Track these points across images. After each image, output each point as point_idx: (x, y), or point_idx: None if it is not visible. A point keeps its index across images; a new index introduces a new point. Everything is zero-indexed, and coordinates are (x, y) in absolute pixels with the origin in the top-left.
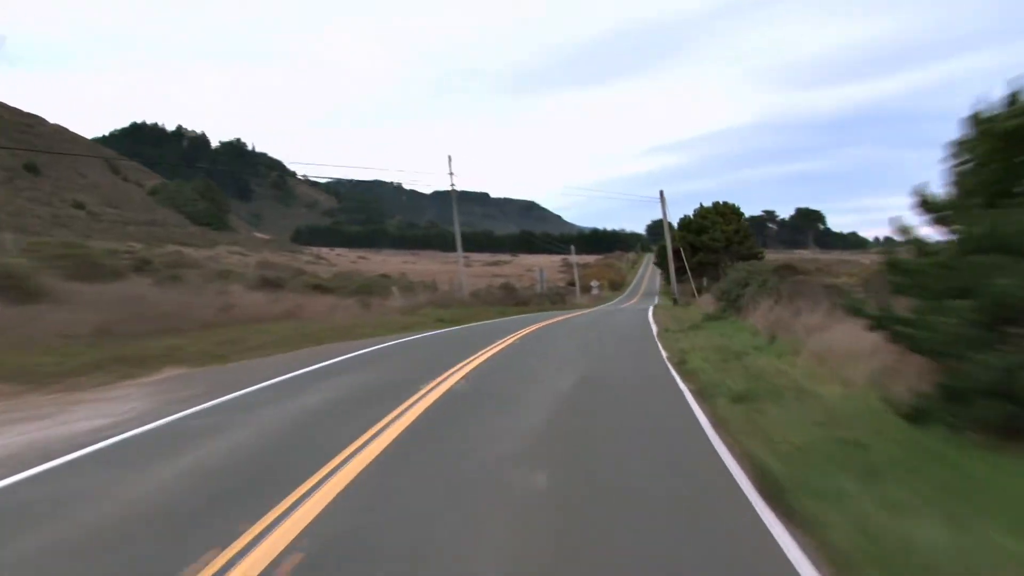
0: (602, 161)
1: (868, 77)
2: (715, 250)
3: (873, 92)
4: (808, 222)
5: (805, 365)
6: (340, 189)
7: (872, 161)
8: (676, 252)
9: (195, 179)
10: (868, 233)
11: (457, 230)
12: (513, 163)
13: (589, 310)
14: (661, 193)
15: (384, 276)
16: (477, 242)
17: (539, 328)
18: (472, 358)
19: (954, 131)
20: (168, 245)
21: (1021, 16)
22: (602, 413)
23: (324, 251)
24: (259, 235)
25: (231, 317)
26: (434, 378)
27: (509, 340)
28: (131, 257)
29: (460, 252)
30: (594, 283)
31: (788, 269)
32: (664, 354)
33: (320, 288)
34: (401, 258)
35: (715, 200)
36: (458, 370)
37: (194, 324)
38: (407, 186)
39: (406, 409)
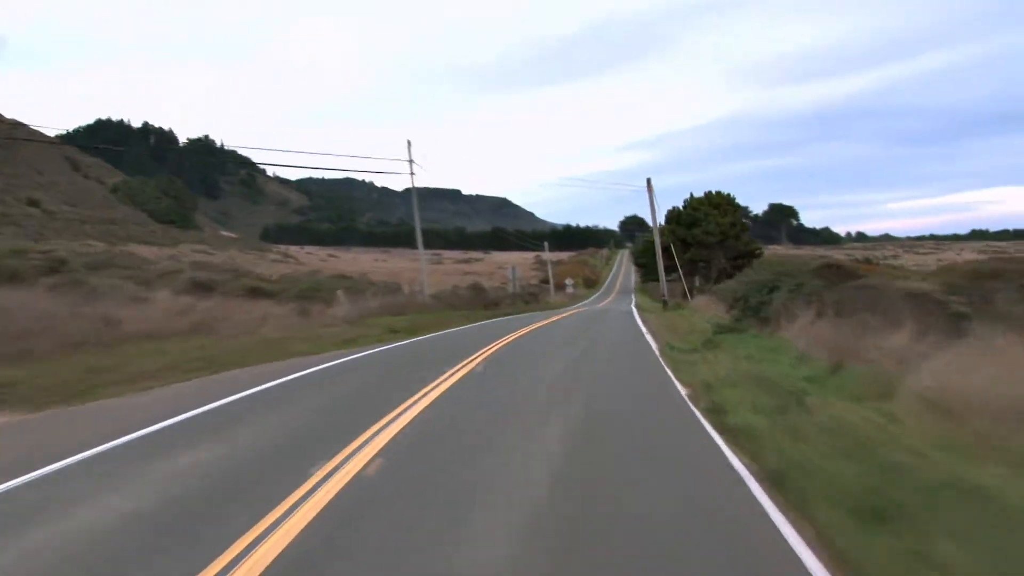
0: (576, 157)
1: (839, 74)
2: (708, 246)
3: (843, 89)
4: (781, 217)
5: (918, 419)
6: (311, 187)
7: (843, 157)
8: (665, 249)
9: (159, 176)
10: (840, 229)
11: (418, 225)
12: (485, 160)
13: (566, 313)
14: (648, 181)
15: (343, 276)
16: (449, 239)
17: (509, 342)
18: (407, 405)
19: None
20: (130, 244)
21: (991, 11)
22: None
23: (294, 249)
24: (226, 233)
25: (120, 334)
26: (326, 458)
27: (468, 365)
28: (44, 257)
29: (421, 249)
30: (568, 281)
31: (834, 269)
32: (682, 391)
33: (259, 292)
34: (372, 256)
35: (687, 193)
36: (373, 436)
37: (60, 344)
38: (379, 183)
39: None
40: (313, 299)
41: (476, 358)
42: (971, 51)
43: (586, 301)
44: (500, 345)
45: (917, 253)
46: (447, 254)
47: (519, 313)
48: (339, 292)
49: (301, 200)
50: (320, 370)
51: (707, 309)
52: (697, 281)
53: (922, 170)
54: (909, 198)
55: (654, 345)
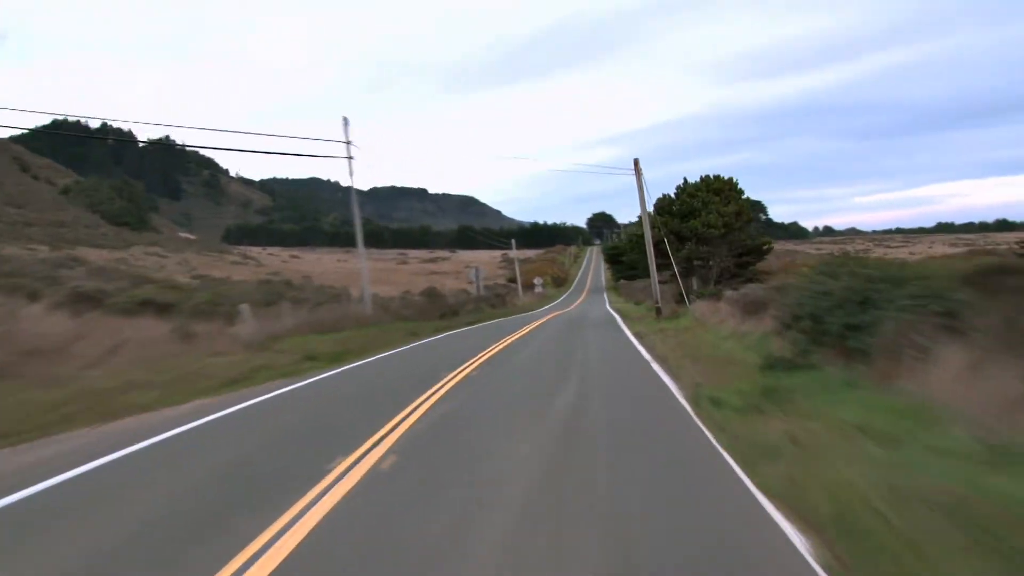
0: (544, 154)
1: (799, 71)
2: (708, 240)
3: (808, 85)
4: (750, 212)
5: None
6: (275, 187)
7: (806, 153)
8: (657, 244)
9: (114, 177)
10: (807, 223)
11: (357, 220)
12: (452, 158)
13: (535, 323)
14: (636, 163)
15: (288, 283)
16: (415, 239)
17: (458, 382)
18: None
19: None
20: (78, 247)
21: (949, 9)
22: None
23: (255, 250)
24: (185, 235)
25: None
26: None
27: (381, 444)
28: None
29: (362, 248)
30: (537, 280)
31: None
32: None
33: (152, 306)
34: (335, 256)
35: (656, 190)
36: None
37: None
38: (344, 183)
39: None
40: (213, 315)
41: (395, 428)
42: (929, 49)
43: (557, 301)
44: (442, 390)
45: (888, 247)
46: (413, 253)
47: (482, 321)
48: (243, 307)
49: (264, 200)
50: (128, 455)
51: (717, 320)
52: (695, 283)
53: (885, 165)
54: (873, 192)
55: (675, 389)
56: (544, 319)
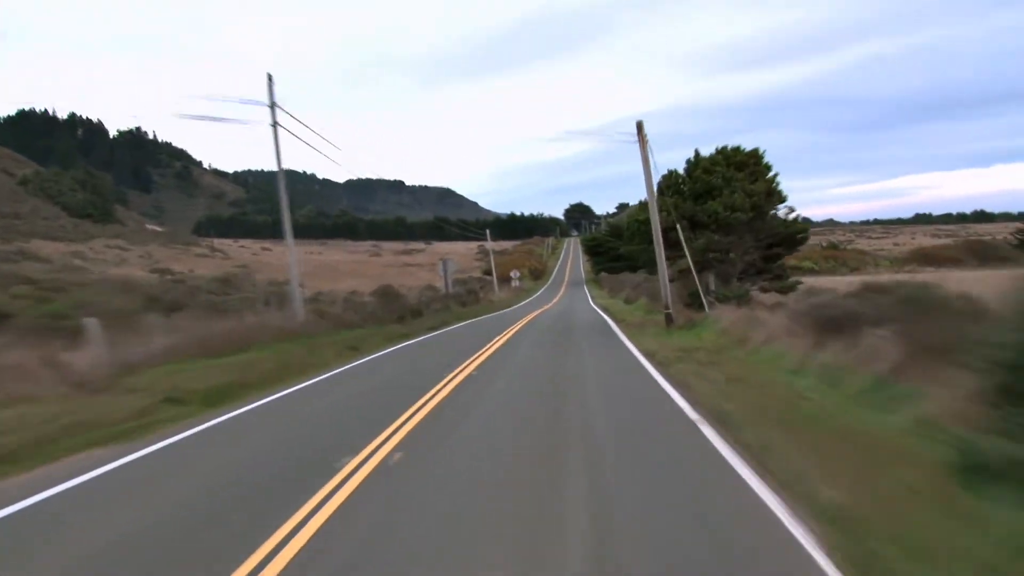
0: (518, 147)
1: (778, 64)
2: (730, 227)
3: (784, 78)
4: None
5: None
6: (249, 180)
7: (783, 144)
8: (667, 232)
9: (74, 168)
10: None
11: (283, 198)
12: (430, 150)
13: (510, 331)
14: (639, 126)
15: (223, 281)
16: (389, 230)
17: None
18: None
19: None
20: (33, 240)
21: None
22: None
23: (225, 243)
24: (153, 227)
25: None
26: None
27: None
28: None
29: (290, 239)
30: (514, 274)
31: None
32: None
33: None
34: (307, 248)
35: (628, 185)
36: None
37: None
38: (320, 175)
39: None
40: (55, 331)
41: None
42: (904, 42)
43: (535, 296)
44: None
45: (869, 237)
46: (387, 245)
47: (449, 324)
48: (88, 321)
49: (238, 192)
50: None
51: (762, 337)
52: (712, 282)
53: (859, 157)
54: (847, 184)
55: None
56: (520, 323)
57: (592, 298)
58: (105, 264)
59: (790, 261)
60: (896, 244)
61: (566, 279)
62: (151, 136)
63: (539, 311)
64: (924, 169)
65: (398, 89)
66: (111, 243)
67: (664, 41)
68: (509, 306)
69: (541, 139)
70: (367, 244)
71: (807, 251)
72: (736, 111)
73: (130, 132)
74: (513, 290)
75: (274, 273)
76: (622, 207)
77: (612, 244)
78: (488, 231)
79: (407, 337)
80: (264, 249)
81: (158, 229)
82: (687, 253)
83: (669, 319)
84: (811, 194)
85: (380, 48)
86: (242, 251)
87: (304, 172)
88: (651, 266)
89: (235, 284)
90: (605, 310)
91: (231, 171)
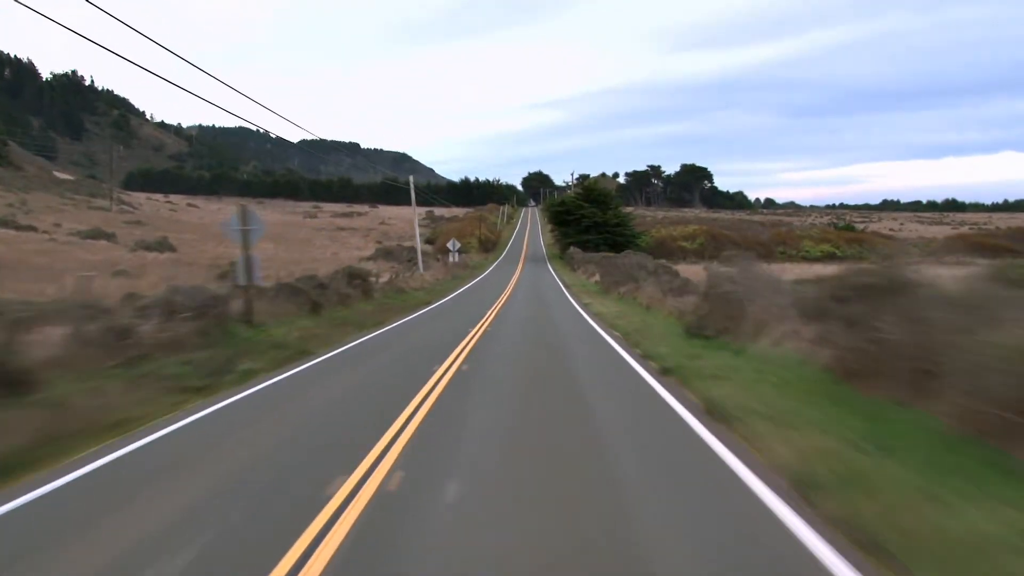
0: (482, 115)
1: (748, 43)
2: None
3: (751, 58)
4: (695, 179)
5: None
6: (205, 137)
7: (739, 127)
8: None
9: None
10: (751, 195)
11: None
12: (389, 115)
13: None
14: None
15: None
16: (335, 191)
17: None
18: None
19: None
20: None
21: None
22: None
23: (141, 197)
24: (59, 174)
25: None
26: None
27: None
28: None
29: None
30: (452, 245)
31: None
32: None
33: None
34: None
35: (593, 158)
36: None
37: None
38: (274, 134)
39: None
40: None
41: None
42: (867, 28)
43: (483, 275)
44: None
45: (855, 221)
46: (328, 207)
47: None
48: None
49: (181, 146)
50: None
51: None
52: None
53: (817, 141)
54: (802, 169)
55: None
56: (440, 373)
57: (563, 284)
58: None
59: (805, 244)
60: (893, 231)
61: (524, 254)
62: (89, 82)
63: (489, 313)
64: (876, 158)
65: (359, 50)
66: None
67: (636, 15)
68: (438, 298)
69: (500, 109)
70: (307, 205)
71: (820, 232)
72: (697, 91)
73: (65, 76)
74: (449, 268)
75: (180, 233)
76: (583, 178)
77: (586, 212)
78: (413, 186)
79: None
80: (190, 206)
81: (68, 177)
82: None
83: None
84: (767, 177)
85: (345, 4)
86: (156, 206)
87: (258, 130)
88: None
89: None
90: (592, 311)
91: (184, 125)
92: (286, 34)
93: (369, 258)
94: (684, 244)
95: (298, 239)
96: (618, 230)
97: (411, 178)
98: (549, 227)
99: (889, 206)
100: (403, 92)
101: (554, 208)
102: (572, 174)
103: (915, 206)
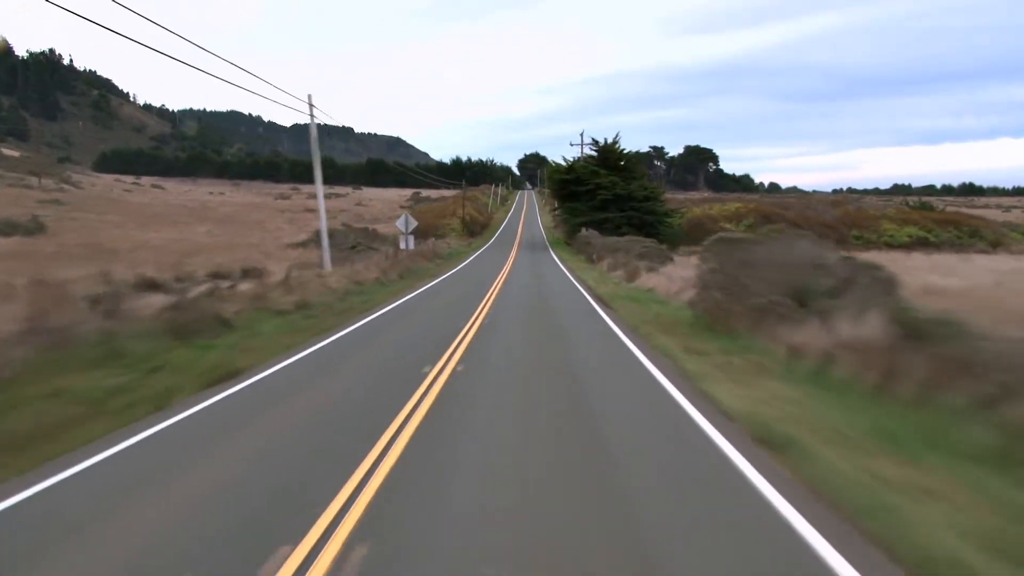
0: (476, 101)
1: (749, 27)
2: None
3: (753, 43)
4: (699, 160)
5: None
6: (184, 117)
7: (754, 111)
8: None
9: None
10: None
11: None
12: (383, 100)
13: None
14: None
15: None
16: (322, 173)
17: None
18: None
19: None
20: None
21: None
22: None
23: (108, 179)
24: (9, 152)
25: None
26: None
27: None
28: None
29: None
30: (400, 223)
31: None
32: None
33: None
34: (216, 188)
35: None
36: None
37: None
38: (266, 118)
39: None
40: None
41: None
42: (864, 14)
43: (452, 271)
44: None
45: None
46: (307, 188)
47: None
48: None
49: (163, 128)
50: None
51: None
52: None
53: (815, 126)
54: (799, 155)
55: None
56: None
57: (598, 302)
58: None
59: (885, 226)
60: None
61: (518, 238)
62: (68, 61)
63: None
64: (877, 144)
65: (356, 34)
66: None
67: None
68: (273, 356)
69: (493, 93)
70: (287, 187)
71: (898, 212)
72: (709, 75)
73: (42, 54)
74: (399, 260)
75: (107, 215)
76: (596, 143)
77: (604, 181)
78: (315, 137)
79: None
80: (155, 187)
81: (12, 154)
82: None
83: None
84: (765, 162)
85: None
86: (110, 187)
87: (249, 114)
88: None
89: None
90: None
91: (172, 109)
92: (278, 21)
93: (299, 244)
94: (727, 226)
95: (250, 221)
96: (647, 205)
97: (312, 123)
98: (549, 208)
99: (900, 190)
100: (400, 76)
101: (558, 176)
102: (581, 134)
103: (928, 190)
